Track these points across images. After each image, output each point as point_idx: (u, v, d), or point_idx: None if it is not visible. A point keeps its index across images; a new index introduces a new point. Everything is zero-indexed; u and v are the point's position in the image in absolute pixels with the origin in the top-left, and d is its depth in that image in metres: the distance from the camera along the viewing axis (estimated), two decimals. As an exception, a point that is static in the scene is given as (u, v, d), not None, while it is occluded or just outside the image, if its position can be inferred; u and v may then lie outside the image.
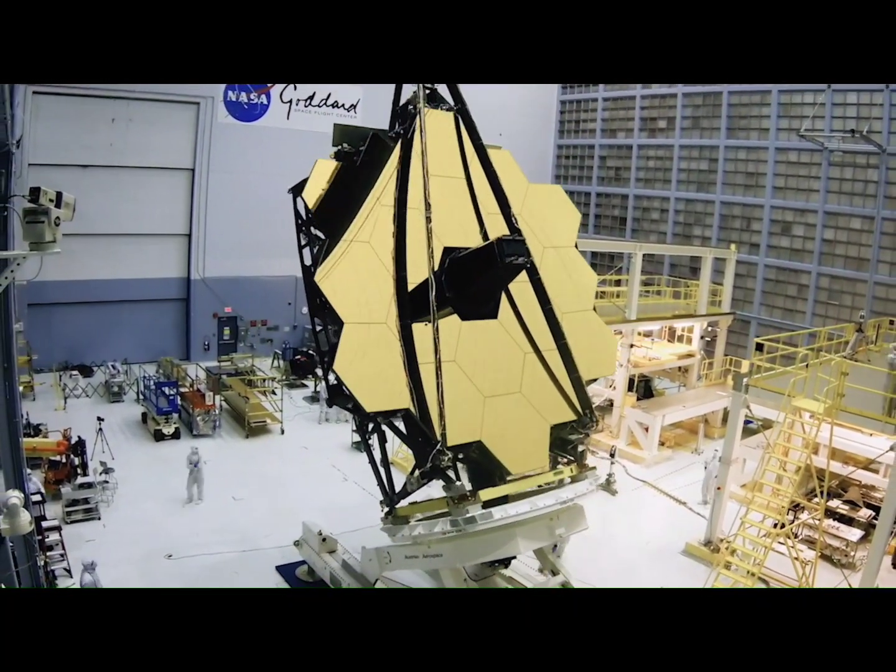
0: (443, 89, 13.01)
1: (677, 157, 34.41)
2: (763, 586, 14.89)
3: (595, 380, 14.60)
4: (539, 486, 12.57)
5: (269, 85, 30.62)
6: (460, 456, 11.98)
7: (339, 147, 12.52)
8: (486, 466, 12.41)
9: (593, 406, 13.37)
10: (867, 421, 15.11)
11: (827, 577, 15.42)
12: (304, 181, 11.68)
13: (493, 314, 12.89)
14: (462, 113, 13.09)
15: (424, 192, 11.74)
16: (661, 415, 23.24)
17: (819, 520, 15.67)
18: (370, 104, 31.96)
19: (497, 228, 12.75)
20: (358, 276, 11.44)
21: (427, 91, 12.61)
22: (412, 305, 11.61)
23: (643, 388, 27.74)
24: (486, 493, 11.38)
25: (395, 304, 11.65)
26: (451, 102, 13.09)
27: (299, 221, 12.61)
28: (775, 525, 14.68)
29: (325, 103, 32.29)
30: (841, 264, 28.64)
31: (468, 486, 11.72)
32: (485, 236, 12.83)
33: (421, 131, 12.03)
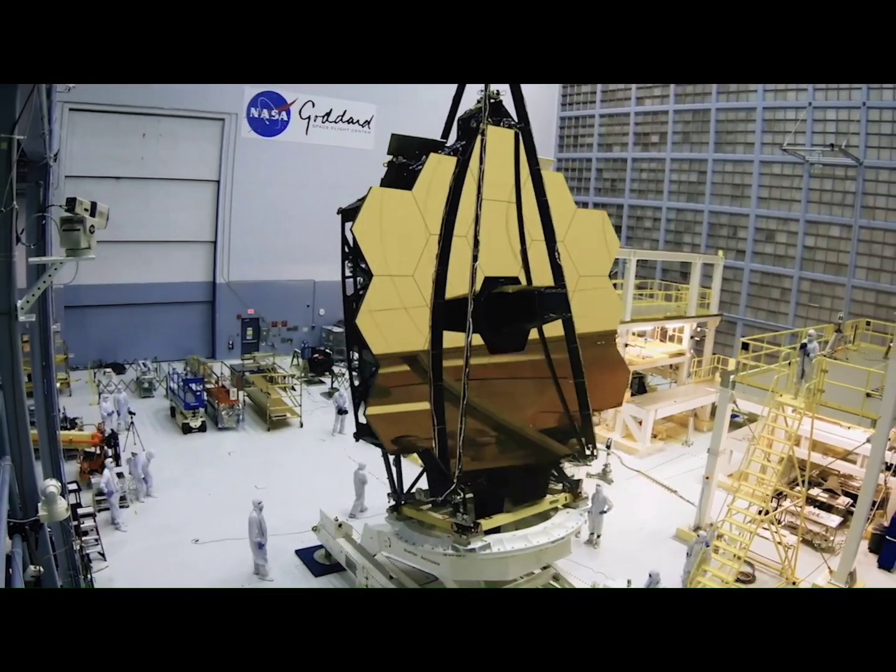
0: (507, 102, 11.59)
1: (668, 169, 34.28)
2: (748, 569, 14.86)
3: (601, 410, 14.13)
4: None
5: (289, 102, 30.65)
6: (468, 483, 11.59)
7: (393, 159, 11.15)
8: (489, 493, 12.16)
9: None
10: (845, 415, 15.03)
11: (808, 561, 15.35)
12: (357, 206, 10.26)
13: (520, 347, 12.29)
14: (524, 133, 11.68)
15: (475, 227, 10.67)
16: (654, 409, 23.23)
17: (801, 507, 15.60)
18: (383, 120, 31.94)
19: (539, 256, 12.15)
20: (398, 315, 10.57)
21: (491, 101, 11.00)
22: (446, 317, 10.98)
23: (637, 384, 27.62)
24: (486, 523, 11.26)
25: (429, 335, 10.89)
26: (515, 118, 11.68)
27: (346, 249, 11.28)
28: (760, 512, 14.63)
29: (342, 119, 32.24)
30: (821, 269, 28.49)
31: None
32: (524, 259, 12.04)
33: (481, 160, 10.66)
